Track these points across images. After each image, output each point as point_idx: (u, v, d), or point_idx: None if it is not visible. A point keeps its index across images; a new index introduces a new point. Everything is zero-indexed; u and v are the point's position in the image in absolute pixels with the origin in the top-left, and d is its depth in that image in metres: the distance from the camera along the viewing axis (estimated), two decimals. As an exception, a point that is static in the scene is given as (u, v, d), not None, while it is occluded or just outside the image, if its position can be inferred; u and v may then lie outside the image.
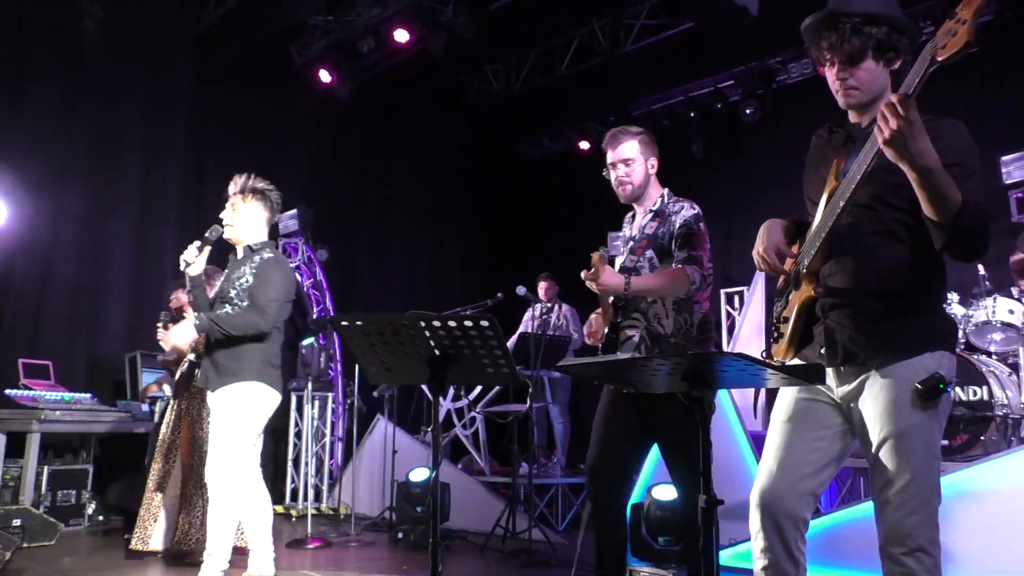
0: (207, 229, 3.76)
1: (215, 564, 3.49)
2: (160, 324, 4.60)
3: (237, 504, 3.51)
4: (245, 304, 3.58)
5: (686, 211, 3.02)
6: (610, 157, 3.11)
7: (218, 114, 8.07)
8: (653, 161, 3.11)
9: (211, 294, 3.79)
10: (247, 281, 3.62)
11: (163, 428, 4.72)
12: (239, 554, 3.73)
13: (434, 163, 9.93)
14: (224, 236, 3.75)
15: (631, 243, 3.10)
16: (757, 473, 2.11)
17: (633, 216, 3.20)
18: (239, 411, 3.51)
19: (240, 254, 3.79)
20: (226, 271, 3.84)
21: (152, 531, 4.51)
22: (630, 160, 3.06)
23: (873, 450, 1.94)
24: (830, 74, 2.03)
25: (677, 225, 2.98)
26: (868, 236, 1.99)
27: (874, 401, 1.95)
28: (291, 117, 8.62)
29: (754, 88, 8.20)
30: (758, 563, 2.04)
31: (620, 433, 2.94)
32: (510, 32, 8.42)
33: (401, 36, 7.51)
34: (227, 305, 3.62)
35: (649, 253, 3.00)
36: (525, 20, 8.06)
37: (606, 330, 2.94)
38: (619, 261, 3.14)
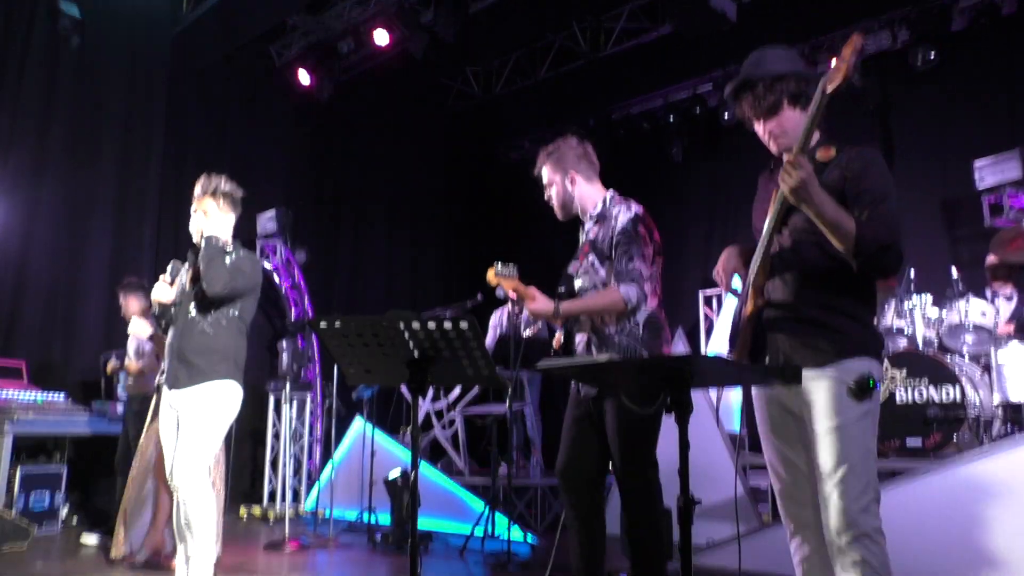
0: (187, 231, 3.71)
1: (205, 564, 3.40)
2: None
3: (212, 503, 3.43)
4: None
5: (623, 214, 2.96)
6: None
7: (196, 114, 8.00)
8: (572, 174, 3.08)
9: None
10: None
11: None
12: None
13: (414, 165, 9.91)
14: (193, 237, 3.70)
15: (578, 250, 3.12)
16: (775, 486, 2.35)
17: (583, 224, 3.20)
18: (214, 411, 3.48)
19: None
20: (185, 271, 3.76)
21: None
22: (548, 184, 3.13)
23: (815, 446, 2.13)
24: (759, 128, 2.33)
25: (617, 230, 2.93)
26: (805, 255, 2.22)
27: (813, 400, 2.15)
28: (270, 118, 8.56)
29: (732, 92, 8.26)
30: (797, 555, 2.28)
31: (583, 433, 2.94)
32: (490, 34, 8.42)
33: (381, 37, 7.48)
34: (194, 303, 3.60)
35: (591, 257, 2.99)
36: (505, 23, 8.07)
37: (560, 335, 3.01)
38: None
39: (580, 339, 2.97)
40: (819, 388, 2.14)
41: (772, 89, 2.25)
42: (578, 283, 3.01)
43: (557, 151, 3.11)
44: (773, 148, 2.34)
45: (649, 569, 2.79)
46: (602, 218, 3.03)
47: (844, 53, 2.05)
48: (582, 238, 3.14)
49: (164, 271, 3.86)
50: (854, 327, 2.19)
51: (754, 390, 2.39)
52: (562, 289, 3.02)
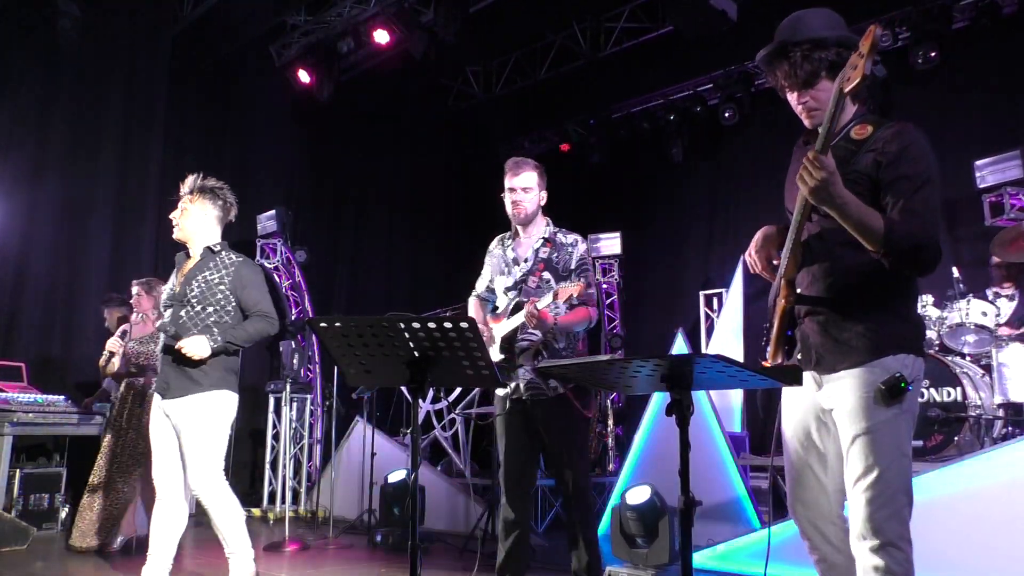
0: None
1: (243, 561, 3.44)
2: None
3: (232, 504, 3.44)
4: (231, 310, 3.52)
5: (580, 245, 3.42)
6: (510, 182, 3.42)
7: (196, 114, 8.00)
8: (544, 193, 3.46)
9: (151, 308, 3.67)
10: (223, 284, 3.50)
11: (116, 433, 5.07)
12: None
13: (414, 165, 9.90)
14: (174, 236, 3.64)
15: (525, 264, 3.42)
16: (787, 486, 2.26)
17: (513, 236, 3.54)
18: (210, 421, 3.42)
19: (197, 255, 3.59)
20: (175, 273, 3.64)
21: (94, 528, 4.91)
22: (529, 188, 3.40)
23: (845, 449, 2.03)
24: (791, 98, 2.16)
25: (575, 259, 3.38)
26: (835, 245, 2.08)
27: (843, 403, 2.04)
28: (270, 118, 8.55)
29: (733, 91, 8.26)
30: (812, 556, 2.21)
31: (518, 445, 3.30)
32: (491, 34, 8.42)
33: (381, 37, 7.48)
34: (185, 307, 3.49)
35: (547, 275, 3.37)
36: (506, 22, 8.06)
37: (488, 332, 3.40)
38: (503, 281, 3.47)
39: (527, 346, 3.33)
40: (848, 389, 2.02)
41: (809, 58, 2.06)
42: (534, 297, 3.28)
43: (542, 168, 3.45)
44: (807, 122, 2.16)
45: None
46: (552, 241, 3.41)
47: (861, 47, 1.83)
48: (514, 252, 3.47)
49: (156, 274, 3.77)
50: (890, 320, 2.04)
51: (785, 391, 2.27)
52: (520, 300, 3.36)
